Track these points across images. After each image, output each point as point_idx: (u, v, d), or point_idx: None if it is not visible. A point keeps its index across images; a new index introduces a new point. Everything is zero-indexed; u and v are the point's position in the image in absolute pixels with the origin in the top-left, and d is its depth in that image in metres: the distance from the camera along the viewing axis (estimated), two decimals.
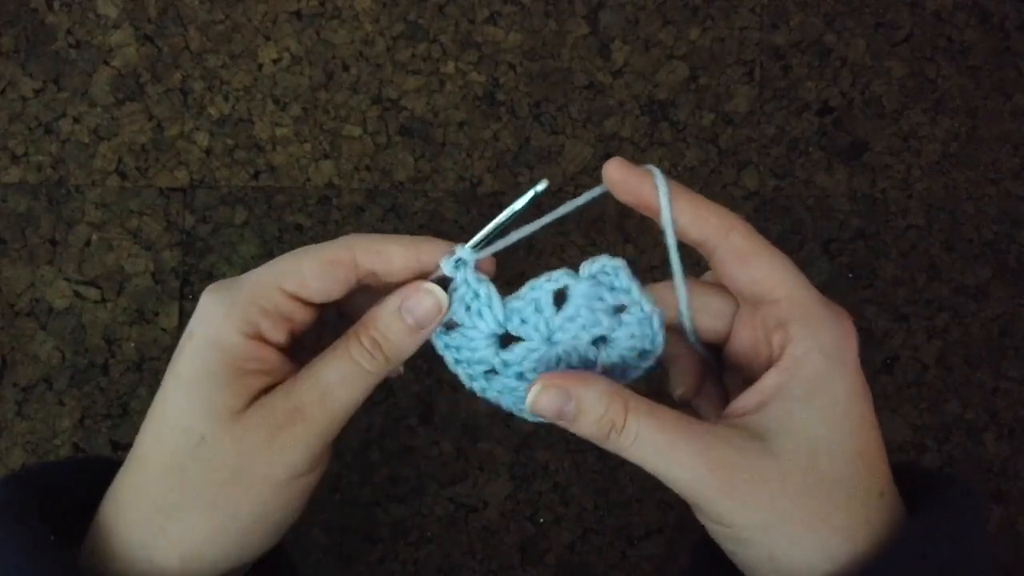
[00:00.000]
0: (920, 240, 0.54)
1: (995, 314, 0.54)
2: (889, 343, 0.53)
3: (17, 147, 0.51)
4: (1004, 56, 0.54)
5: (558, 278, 0.29)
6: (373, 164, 0.52)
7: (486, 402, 0.30)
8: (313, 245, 0.29)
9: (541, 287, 0.29)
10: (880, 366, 0.53)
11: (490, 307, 0.29)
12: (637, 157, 0.53)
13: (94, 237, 0.51)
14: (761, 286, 0.27)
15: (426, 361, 0.51)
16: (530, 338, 0.29)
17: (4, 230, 0.51)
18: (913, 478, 0.28)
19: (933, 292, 0.53)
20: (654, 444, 0.26)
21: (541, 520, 0.51)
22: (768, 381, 0.26)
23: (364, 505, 0.50)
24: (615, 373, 0.29)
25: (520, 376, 0.30)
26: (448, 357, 0.30)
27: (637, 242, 0.52)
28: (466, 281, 0.29)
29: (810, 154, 0.54)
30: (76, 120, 0.51)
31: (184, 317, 0.51)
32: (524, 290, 0.29)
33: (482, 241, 0.29)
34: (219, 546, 0.27)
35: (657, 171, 0.29)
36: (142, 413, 0.55)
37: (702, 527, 0.31)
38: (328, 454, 0.30)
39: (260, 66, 0.52)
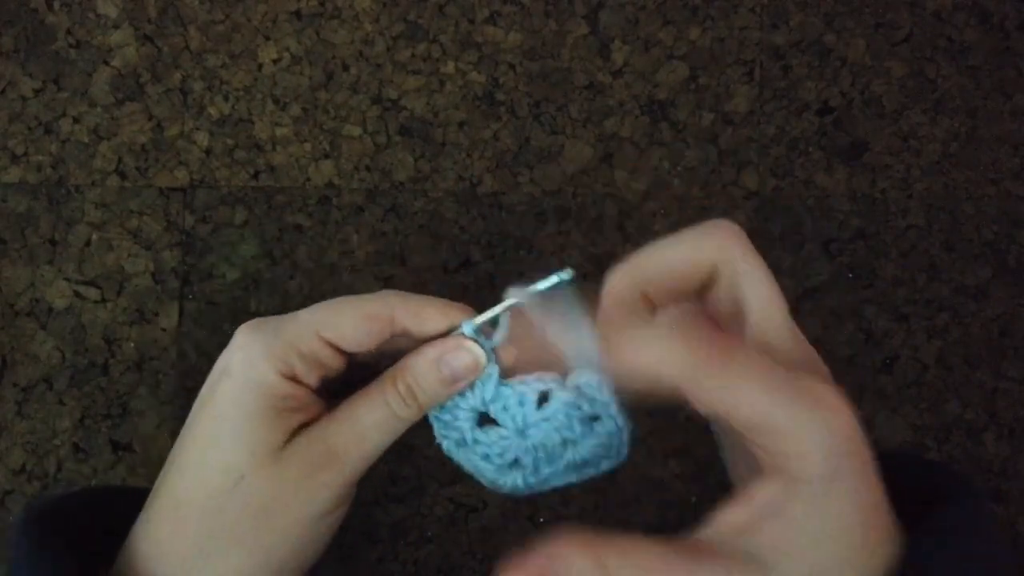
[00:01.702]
0: (920, 240, 0.54)
1: (995, 314, 0.54)
2: (889, 343, 0.53)
3: (17, 147, 0.51)
4: (1004, 56, 0.54)
5: (548, 383, 0.30)
6: (373, 164, 0.52)
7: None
8: (352, 297, 0.30)
9: (530, 385, 0.30)
10: (880, 366, 0.53)
11: (484, 386, 0.31)
12: (637, 157, 0.53)
13: (94, 237, 0.51)
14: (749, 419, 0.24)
15: None
16: (505, 426, 0.31)
17: (4, 230, 0.51)
18: (916, 473, 0.27)
19: (933, 292, 0.53)
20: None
21: (541, 520, 0.51)
22: (760, 496, 0.24)
23: (363, 505, 0.50)
24: (577, 469, 0.31)
25: (486, 458, 0.31)
26: (430, 413, 0.31)
27: (637, 242, 0.52)
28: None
29: (810, 154, 0.54)
30: (76, 120, 0.51)
31: (184, 317, 0.51)
32: (515, 382, 0.30)
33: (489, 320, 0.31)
34: None
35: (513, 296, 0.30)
36: (142, 413, 0.55)
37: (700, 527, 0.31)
38: (354, 491, 0.31)
39: (260, 66, 0.52)
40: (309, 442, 0.28)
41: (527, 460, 0.31)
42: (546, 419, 0.30)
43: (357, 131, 0.52)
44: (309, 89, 0.52)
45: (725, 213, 0.53)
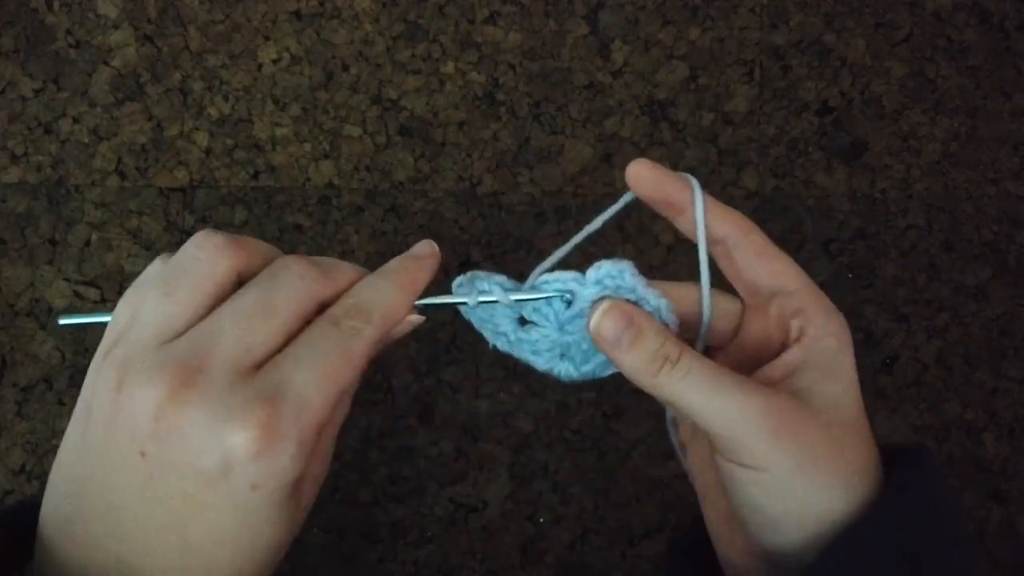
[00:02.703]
0: (920, 240, 0.54)
1: (995, 314, 0.54)
2: (889, 343, 0.53)
3: (17, 147, 0.51)
4: (1004, 56, 0.54)
5: (565, 282, 0.31)
6: (373, 164, 0.52)
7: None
8: (341, 345, 0.28)
9: (551, 285, 0.31)
10: (880, 366, 0.53)
11: (503, 307, 0.31)
12: (637, 157, 0.53)
13: (94, 237, 0.51)
14: (780, 279, 0.30)
15: (426, 361, 0.51)
16: (543, 324, 0.31)
17: (4, 230, 0.51)
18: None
19: (933, 292, 0.53)
20: (705, 382, 0.28)
21: (541, 520, 0.51)
22: (792, 356, 0.29)
23: (363, 505, 0.50)
24: None
25: (535, 352, 0.32)
26: (474, 319, 0.32)
27: (637, 242, 0.52)
28: (473, 287, 0.31)
29: (810, 154, 0.54)
30: (76, 120, 0.51)
31: None
32: (532, 292, 0.31)
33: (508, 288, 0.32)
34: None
35: (691, 177, 0.31)
36: None
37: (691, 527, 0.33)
38: None
39: (260, 66, 0.52)
40: (314, 472, 0.29)
41: (573, 352, 0.32)
42: (579, 315, 0.31)
43: (357, 131, 0.52)
44: (309, 89, 0.52)
45: None
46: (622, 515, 0.51)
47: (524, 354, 0.32)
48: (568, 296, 0.31)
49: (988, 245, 0.54)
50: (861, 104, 0.54)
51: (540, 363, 0.32)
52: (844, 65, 0.54)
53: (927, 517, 0.28)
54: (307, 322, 0.28)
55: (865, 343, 0.52)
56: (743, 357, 0.31)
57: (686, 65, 0.53)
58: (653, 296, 0.30)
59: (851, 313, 0.52)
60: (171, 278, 0.29)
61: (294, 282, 0.29)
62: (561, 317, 0.31)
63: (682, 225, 0.32)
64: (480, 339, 0.32)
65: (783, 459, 0.28)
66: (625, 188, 0.32)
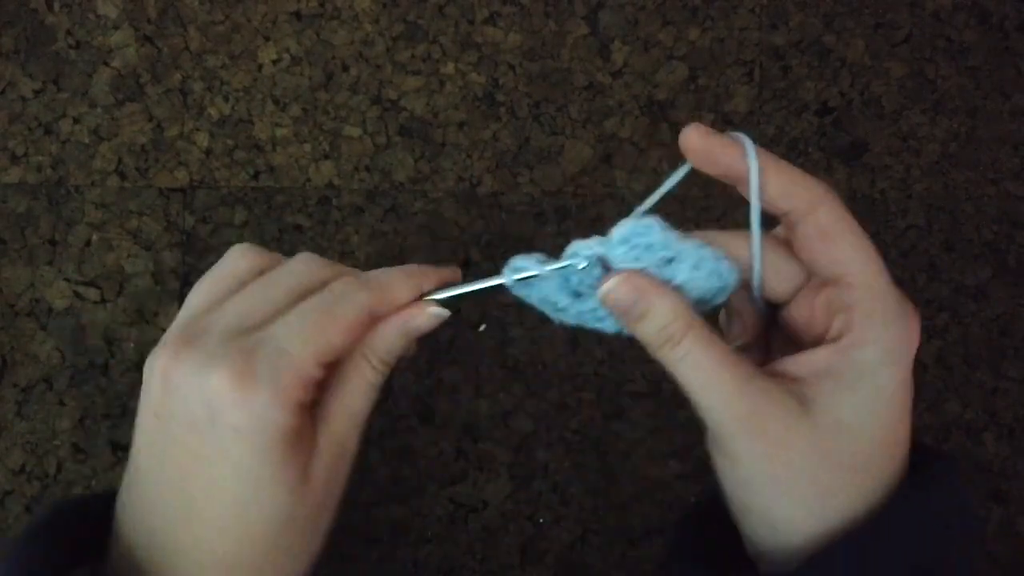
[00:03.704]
0: (920, 240, 0.54)
1: (995, 314, 0.54)
2: None
3: (17, 147, 0.51)
4: (1004, 56, 0.55)
5: (590, 247, 0.31)
6: (373, 164, 0.52)
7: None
8: (322, 304, 0.30)
9: (578, 253, 0.30)
10: None
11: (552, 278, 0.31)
12: (637, 157, 0.53)
13: (94, 237, 0.51)
14: (839, 268, 0.28)
15: (426, 361, 0.51)
16: (588, 295, 0.31)
17: (4, 230, 0.51)
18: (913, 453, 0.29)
19: (933, 292, 0.53)
20: (700, 369, 0.27)
21: (541, 520, 0.51)
22: (819, 357, 0.27)
23: (363, 505, 0.50)
24: (697, 306, 0.30)
25: (599, 319, 0.32)
26: (525, 297, 0.32)
27: None
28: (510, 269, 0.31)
29: (809, 154, 0.54)
30: (76, 120, 0.51)
31: None
32: (560, 262, 0.31)
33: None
34: None
35: (746, 138, 0.29)
36: None
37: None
38: None
39: (260, 67, 0.52)
40: (326, 451, 0.29)
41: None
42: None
43: (357, 131, 0.52)
44: (309, 90, 0.52)
45: (725, 213, 0.53)
46: (622, 515, 0.51)
47: (591, 322, 0.32)
48: (601, 260, 0.31)
49: (988, 245, 0.54)
50: (861, 104, 0.54)
51: (609, 326, 0.32)
52: (844, 65, 0.54)
53: (915, 556, 0.27)
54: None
55: None
56: (784, 333, 0.30)
57: (686, 65, 0.53)
58: (693, 247, 0.29)
59: None
60: (207, 277, 0.32)
61: (299, 268, 0.31)
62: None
63: (746, 192, 0.30)
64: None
65: (762, 464, 0.27)
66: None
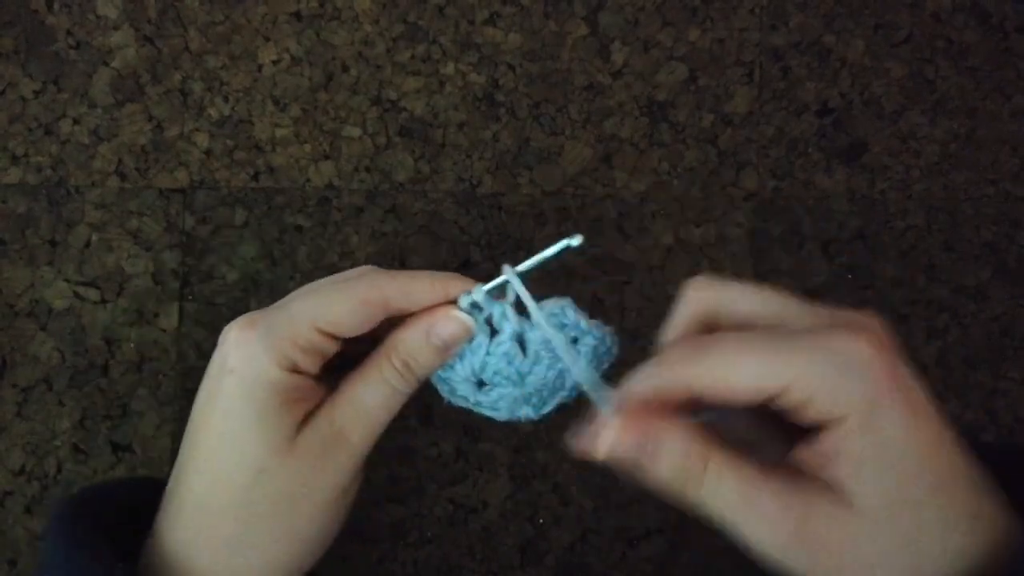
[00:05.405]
0: (919, 241, 0.54)
1: (995, 314, 0.54)
2: None
3: (17, 148, 0.51)
4: (1004, 57, 0.55)
5: (513, 328, 0.31)
6: (373, 165, 0.52)
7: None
8: (340, 280, 0.32)
9: (505, 342, 0.31)
10: None
11: (473, 355, 0.33)
12: (637, 158, 0.53)
13: (94, 238, 0.51)
14: (764, 382, 0.25)
15: None
16: (502, 385, 0.32)
17: (4, 230, 0.51)
18: (1007, 460, 0.27)
19: (932, 293, 0.53)
20: (732, 499, 0.25)
21: (541, 521, 0.51)
22: (824, 445, 0.25)
23: (363, 505, 0.50)
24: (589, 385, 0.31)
25: (495, 410, 0.33)
26: (432, 379, 0.33)
27: (637, 242, 0.52)
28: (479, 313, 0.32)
29: (809, 155, 0.54)
30: (76, 121, 0.51)
31: (184, 318, 0.51)
32: (493, 346, 0.31)
33: (496, 288, 0.32)
34: (282, 570, 0.30)
35: (508, 267, 0.31)
36: (142, 414, 0.55)
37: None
38: (363, 469, 0.33)
39: (260, 67, 0.52)
40: (319, 428, 0.30)
41: (533, 399, 0.33)
42: (536, 363, 0.32)
43: (357, 132, 0.52)
44: (309, 90, 0.52)
45: (725, 214, 0.53)
46: (622, 515, 0.51)
47: (482, 412, 0.33)
48: (519, 336, 0.32)
49: (988, 246, 0.54)
50: (861, 105, 0.54)
51: (500, 416, 0.33)
52: (844, 66, 0.54)
53: None
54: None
55: None
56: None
57: (686, 66, 0.53)
58: (596, 329, 0.31)
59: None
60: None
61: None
62: (523, 369, 0.31)
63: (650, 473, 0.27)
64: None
65: (824, 571, 0.25)
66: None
